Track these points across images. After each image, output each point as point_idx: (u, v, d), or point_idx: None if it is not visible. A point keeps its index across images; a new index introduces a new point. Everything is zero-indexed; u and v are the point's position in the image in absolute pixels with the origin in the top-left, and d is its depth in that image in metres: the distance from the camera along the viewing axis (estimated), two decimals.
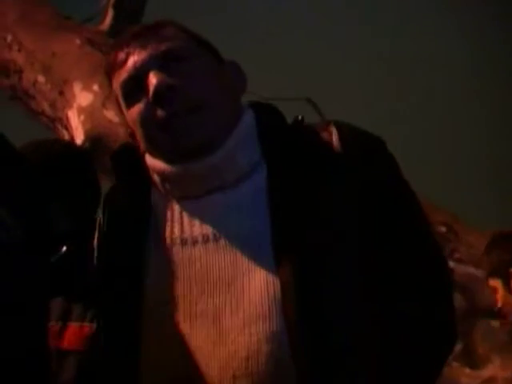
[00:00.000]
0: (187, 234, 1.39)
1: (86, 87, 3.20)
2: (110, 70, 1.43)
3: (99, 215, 1.50)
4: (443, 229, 2.53)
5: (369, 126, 1.51)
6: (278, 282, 1.33)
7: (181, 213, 1.41)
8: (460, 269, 2.46)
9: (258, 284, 1.34)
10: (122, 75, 1.39)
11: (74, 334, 1.86)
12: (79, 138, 3.08)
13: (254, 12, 5.09)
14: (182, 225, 1.40)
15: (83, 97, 3.18)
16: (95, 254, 1.49)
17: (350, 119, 1.50)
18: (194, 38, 1.44)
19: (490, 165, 4.67)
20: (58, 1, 3.86)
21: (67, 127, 3.22)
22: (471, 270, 2.51)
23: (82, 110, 3.15)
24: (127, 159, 1.46)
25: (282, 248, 1.34)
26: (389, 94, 4.76)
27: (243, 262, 1.36)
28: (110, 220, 1.47)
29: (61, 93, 3.28)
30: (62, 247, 1.95)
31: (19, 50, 3.55)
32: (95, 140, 3.02)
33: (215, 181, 1.39)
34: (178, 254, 1.39)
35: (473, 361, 2.70)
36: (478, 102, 4.68)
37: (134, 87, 1.38)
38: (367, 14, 5.01)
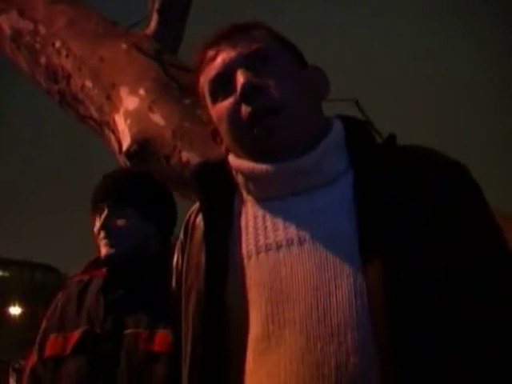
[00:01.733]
0: (271, 239, 1.41)
1: (133, 91, 3.24)
2: (198, 69, 1.50)
3: (180, 237, 1.55)
4: None
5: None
6: (365, 290, 1.32)
7: (264, 217, 1.43)
8: None
9: (346, 290, 1.33)
10: (211, 72, 1.46)
11: (162, 338, 2.05)
12: (126, 142, 3.12)
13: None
14: (265, 230, 1.42)
15: (130, 101, 3.23)
16: (174, 274, 1.55)
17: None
18: (281, 41, 1.50)
19: None
20: (104, 7, 3.92)
21: (114, 131, 3.26)
22: None
23: (128, 114, 3.19)
24: (209, 173, 1.51)
25: (369, 254, 1.33)
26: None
27: (329, 266, 1.35)
28: (194, 238, 1.50)
29: (108, 97, 3.33)
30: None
31: (67, 56, 3.62)
32: (142, 143, 3.05)
33: (302, 183, 1.42)
34: (264, 261, 1.40)
35: None
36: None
37: (222, 84, 1.45)
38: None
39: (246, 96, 1.41)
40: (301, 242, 1.38)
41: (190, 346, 1.44)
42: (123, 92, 3.28)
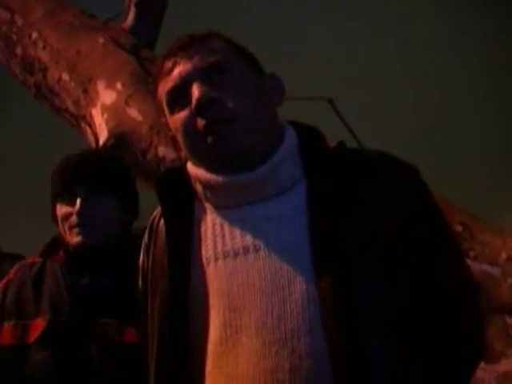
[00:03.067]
0: (229, 246, 1.45)
1: (110, 85, 3.24)
2: (157, 78, 1.53)
3: (145, 239, 1.58)
4: (459, 228, 2.56)
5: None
6: (317, 296, 1.37)
7: (222, 225, 1.47)
8: (475, 267, 2.49)
9: (299, 297, 1.38)
10: (168, 84, 1.50)
11: (133, 330, 1.97)
12: (102, 136, 3.12)
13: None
14: (223, 238, 1.46)
15: (107, 95, 3.23)
16: (140, 275, 1.59)
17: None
18: (238, 52, 1.53)
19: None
20: (81, 0, 3.91)
21: (91, 125, 3.26)
22: (486, 267, 2.54)
23: (105, 108, 3.19)
24: (171, 180, 1.54)
25: (321, 261, 1.38)
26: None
27: (283, 273, 1.40)
28: (157, 242, 1.54)
29: (85, 91, 3.33)
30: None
31: (44, 48, 3.60)
32: (119, 138, 3.06)
33: (258, 192, 1.46)
34: (222, 268, 1.44)
35: (489, 356, 2.73)
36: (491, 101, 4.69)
37: (178, 96, 1.48)
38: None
39: (201, 109, 1.44)
40: (256, 250, 1.42)
41: (156, 346, 1.48)
42: (100, 86, 3.27)
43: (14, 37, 3.79)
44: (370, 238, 1.40)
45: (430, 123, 4.74)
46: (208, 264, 1.45)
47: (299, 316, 1.37)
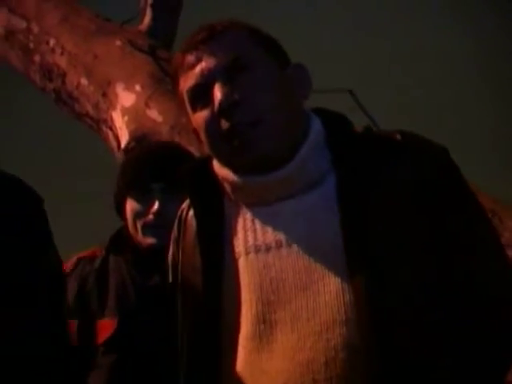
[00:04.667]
0: (260, 241, 1.43)
1: (129, 88, 3.24)
2: (177, 71, 1.49)
3: (174, 232, 1.55)
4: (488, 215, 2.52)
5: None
6: (350, 286, 1.37)
7: (253, 220, 1.45)
8: None
9: (333, 289, 1.38)
10: (189, 81, 1.46)
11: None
12: (124, 139, 3.12)
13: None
14: (255, 232, 1.44)
15: (126, 97, 3.22)
16: (170, 268, 1.55)
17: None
18: (260, 42, 1.48)
19: None
20: (97, 3, 3.91)
21: (112, 128, 3.26)
22: None
23: (125, 111, 3.19)
24: (198, 173, 1.51)
25: (354, 254, 1.37)
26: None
27: (316, 266, 1.39)
28: (187, 236, 1.51)
29: (104, 94, 3.32)
30: None
31: (62, 54, 3.60)
32: (140, 140, 3.05)
33: (287, 189, 1.44)
34: (254, 261, 1.43)
35: None
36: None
37: (201, 94, 1.45)
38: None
39: (224, 112, 1.41)
40: (289, 245, 1.41)
41: (187, 343, 1.47)
42: (119, 88, 3.27)
43: (32, 44, 3.79)
44: (400, 231, 1.38)
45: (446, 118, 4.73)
46: (239, 258, 1.44)
47: (334, 306, 1.37)
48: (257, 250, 1.43)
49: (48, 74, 3.66)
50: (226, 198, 1.49)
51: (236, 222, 1.46)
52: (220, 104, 1.41)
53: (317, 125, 1.48)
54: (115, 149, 3.21)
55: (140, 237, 2.04)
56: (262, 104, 1.42)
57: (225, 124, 1.42)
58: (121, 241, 2.09)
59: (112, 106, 3.27)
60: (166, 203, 2.00)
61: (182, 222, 1.54)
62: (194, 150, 2.89)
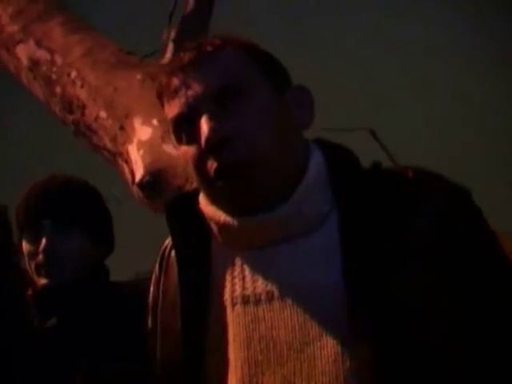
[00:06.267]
0: (249, 290, 1.27)
1: (146, 122, 3.22)
2: (162, 94, 1.33)
3: (156, 272, 1.40)
4: None
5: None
6: (352, 350, 1.19)
7: (242, 266, 1.29)
8: None
9: (332, 353, 1.21)
10: (173, 108, 1.30)
11: None
12: (139, 172, 3.10)
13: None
14: (243, 280, 1.28)
15: (143, 131, 3.21)
16: (150, 312, 1.40)
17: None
18: (258, 63, 1.30)
19: None
20: (119, 36, 3.93)
21: (127, 161, 3.25)
22: None
23: (141, 144, 3.17)
24: (183, 210, 1.35)
25: (358, 311, 1.20)
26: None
27: (313, 324, 1.23)
28: (168, 276, 1.36)
29: (121, 128, 3.32)
30: None
31: (82, 86, 3.61)
32: (155, 174, 3.03)
33: (281, 232, 1.27)
34: (240, 314, 1.26)
35: None
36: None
37: (186, 125, 1.29)
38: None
39: (212, 150, 1.25)
40: (282, 296, 1.25)
41: None
42: (137, 122, 3.26)
43: (54, 76, 3.80)
44: (411, 281, 1.21)
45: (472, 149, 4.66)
46: (225, 308, 1.29)
47: (332, 373, 1.20)
48: (244, 301, 1.26)
49: (68, 105, 3.67)
50: (214, 237, 1.34)
51: (223, 266, 1.31)
52: (207, 141, 1.25)
53: (317, 159, 1.31)
54: (129, 182, 3.19)
55: (35, 278, 1.96)
56: (255, 140, 1.26)
57: (212, 164, 1.26)
58: (25, 283, 2.02)
59: (129, 139, 3.26)
60: (56, 240, 1.91)
61: (164, 261, 1.40)
62: None
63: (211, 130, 1.25)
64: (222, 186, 1.27)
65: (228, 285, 1.29)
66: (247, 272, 1.29)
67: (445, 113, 4.74)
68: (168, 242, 1.42)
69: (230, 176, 1.26)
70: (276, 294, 1.25)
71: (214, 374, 1.28)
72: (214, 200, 1.31)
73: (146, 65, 3.59)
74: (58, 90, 3.75)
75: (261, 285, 1.27)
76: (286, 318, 1.24)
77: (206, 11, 3.75)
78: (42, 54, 3.94)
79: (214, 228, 1.32)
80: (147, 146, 3.14)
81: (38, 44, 3.99)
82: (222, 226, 1.30)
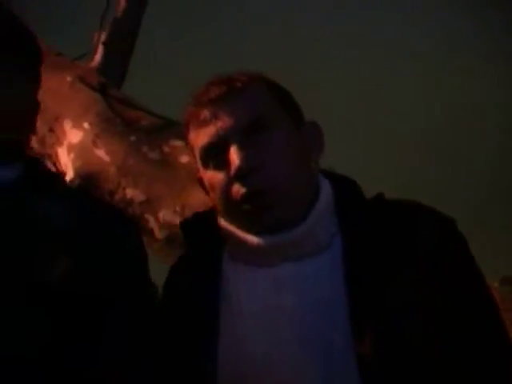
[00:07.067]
0: (258, 306, 1.37)
1: (76, 125, 3.21)
2: (189, 124, 1.44)
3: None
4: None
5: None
6: (357, 361, 1.31)
7: (253, 282, 1.39)
8: None
9: (338, 363, 1.32)
10: (203, 137, 1.42)
11: None
12: (69, 176, 3.09)
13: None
14: (253, 296, 1.38)
15: (73, 134, 3.19)
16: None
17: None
18: (279, 98, 1.45)
19: None
20: (48, 38, 3.88)
21: (55, 164, 3.23)
22: None
23: (72, 148, 3.16)
24: (199, 227, 1.48)
25: (360, 323, 1.33)
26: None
27: (320, 337, 1.34)
28: (176, 295, 1.46)
29: (50, 129, 3.29)
30: None
31: None
32: (85, 178, 3.03)
33: (293, 251, 1.40)
34: (248, 328, 1.36)
35: None
36: None
37: (214, 153, 1.41)
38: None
39: (241, 178, 1.39)
40: (290, 311, 1.36)
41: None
42: (67, 125, 3.24)
43: None
44: (408, 296, 1.36)
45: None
46: (235, 323, 1.38)
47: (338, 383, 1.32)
48: (253, 316, 1.37)
49: None
50: (226, 254, 1.46)
51: (234, 281, 1.42)
52: (238, 170, 1.38)
53: (327, 188, 1.46)
54: None
55: None
56: (278, 171, 1.40)
57: (240, 190, 1.39)
58: None
59: (58, 141, 3.24)
60: None
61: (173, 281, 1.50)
62: (139, 192, 2.88)
63: (242, 160, 1.38)
64: (247, 208, 1.39)
65: (238, 300, 1.39)
66: (258, 288, 1.39)
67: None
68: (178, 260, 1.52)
69: (255, 201, 1.39)
70: (284, 309, 1.36)
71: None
72: (236, 220, 1.43)
73: (75, 67, 3.57)
74: None
75: (270, 301, 1.37)
76: (293, 332, 1.35)
77: (136, 15, 3.75)
78: None
79: (232, 244, 1.45)
80: (78, 149, 3.13)
81: None
82: (241, 243, 1.42)
